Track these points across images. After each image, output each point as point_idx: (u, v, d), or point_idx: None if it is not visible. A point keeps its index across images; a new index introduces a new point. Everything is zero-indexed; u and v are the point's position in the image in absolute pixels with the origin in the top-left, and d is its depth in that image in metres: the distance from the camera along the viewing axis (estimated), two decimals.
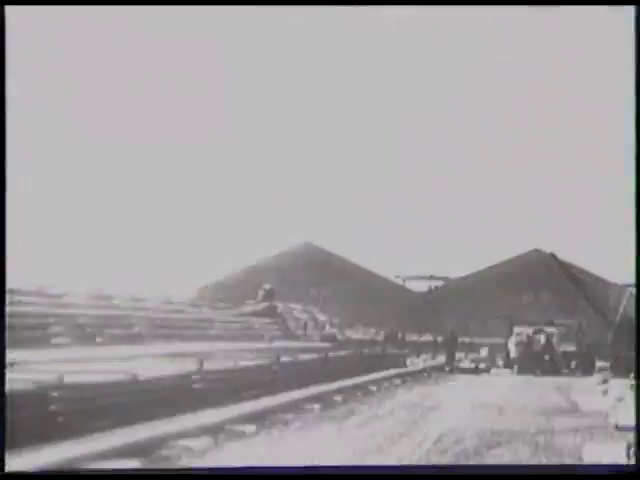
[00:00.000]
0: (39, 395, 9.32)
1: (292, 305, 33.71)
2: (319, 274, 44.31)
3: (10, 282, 8.93)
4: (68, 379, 9.73)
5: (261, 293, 31.43)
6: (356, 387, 18.15)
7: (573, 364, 29.69)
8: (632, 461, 8.92)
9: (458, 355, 31.90)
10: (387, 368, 24.28)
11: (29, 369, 10.66)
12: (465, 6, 10.56)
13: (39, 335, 16.53)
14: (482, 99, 47.47)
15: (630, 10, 9.48)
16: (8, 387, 8.14)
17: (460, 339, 32.72)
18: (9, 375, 8.23)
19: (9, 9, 8.18)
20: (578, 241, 39.22)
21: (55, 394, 9.45)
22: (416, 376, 24.71)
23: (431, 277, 46.05)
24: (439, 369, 28.62)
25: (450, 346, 31.53)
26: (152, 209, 40.35)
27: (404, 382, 22.11)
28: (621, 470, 8.48)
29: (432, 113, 46.66)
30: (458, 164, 50.77)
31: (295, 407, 13.77)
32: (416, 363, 29.87)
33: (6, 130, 8.23)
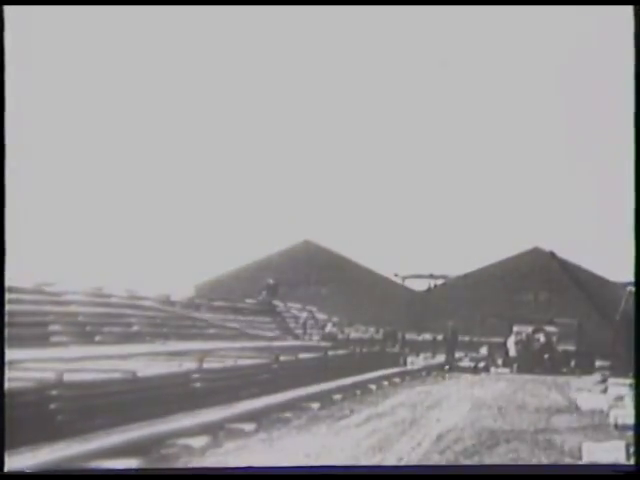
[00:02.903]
0: (38, 394, 9.31)
1: (291, 304, 33.65)
2: (319, 272, 44.28)
3: (9, 280, 8.94)
4: (67, 378, 9.71)
5: (261, 291, 31.39)
6: (355, 386, 18.14)
7: (572, 363, 29.68)
8: (632, 461, 8.92)
9: (457, 354, 31.87)
10: (387, 367, 24.27)
11: (28, 367, 10.65)
12: (464, 6, 10.55)
13: (38, 333, 16.51)
14: (482, 98, 47.46)
15: (630, 10, 9.48)
16: (7, 386, 8.14)
17: (459, 338, 32.67)
18: (8, 374, 8.23)
19: (8, 9, 8.16)
20: (578, 240, 39.04)
21: (54, 392, 9.44)
22: (416, 375, 24.72)
23: (430, 276, 45.97)
24: (439, 368, 28.61)
25: (450, 344, 31.50)
26: (151, 207, 40.26)
27: (403, 381, 22.11)
28: (621, 470, 8.48)
29: (432, 111, 46.63)
30: (458, 162, 50.76)
31: (294, 406, 13.77)
32: (416, 362, 29.85)
33: (5, 129, 8.22)
